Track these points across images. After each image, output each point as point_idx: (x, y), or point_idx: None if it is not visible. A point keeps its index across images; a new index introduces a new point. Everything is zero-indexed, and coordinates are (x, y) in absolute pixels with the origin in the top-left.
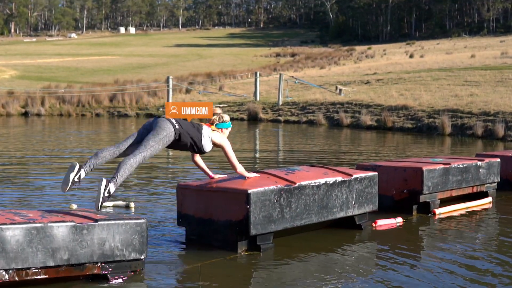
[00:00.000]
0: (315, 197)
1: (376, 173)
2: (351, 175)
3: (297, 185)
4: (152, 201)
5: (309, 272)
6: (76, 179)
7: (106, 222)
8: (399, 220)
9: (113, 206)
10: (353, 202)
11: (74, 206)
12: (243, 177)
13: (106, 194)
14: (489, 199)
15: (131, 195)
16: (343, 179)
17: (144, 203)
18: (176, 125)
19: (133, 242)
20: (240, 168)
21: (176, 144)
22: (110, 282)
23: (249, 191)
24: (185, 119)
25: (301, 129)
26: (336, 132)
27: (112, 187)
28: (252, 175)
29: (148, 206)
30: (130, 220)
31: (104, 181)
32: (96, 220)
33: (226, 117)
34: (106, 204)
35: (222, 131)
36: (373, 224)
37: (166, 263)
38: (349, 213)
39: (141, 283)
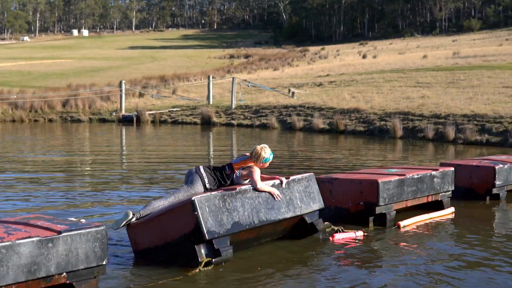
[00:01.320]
0: (259, 199)
1: (312, 173)
2: (288, 177)
3: (237, 189)
4: (103, 209)
5: (269, 285)
6: (125, 224)
7: (69, 233)
8: (360, 234)
9: None
10: (298, 202)
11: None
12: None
13: (125, 225)
14: (452, 209)
15: (82, 200)
16: (280, 182)
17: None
18: (208, 186)
19: (95, 249)
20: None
21: None
22: None
23: (192, 198)
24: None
25: (254, 133)
26: (288, 136)
27: (134, 219)
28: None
29: (97, 214)
30: (91, 229)
31: (130, 215)
32: (60, 232)
33: (267, 152)
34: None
35: (263, 165)
36: (330, 238)
37: (120, 279)
38: (298, 213)
39: None
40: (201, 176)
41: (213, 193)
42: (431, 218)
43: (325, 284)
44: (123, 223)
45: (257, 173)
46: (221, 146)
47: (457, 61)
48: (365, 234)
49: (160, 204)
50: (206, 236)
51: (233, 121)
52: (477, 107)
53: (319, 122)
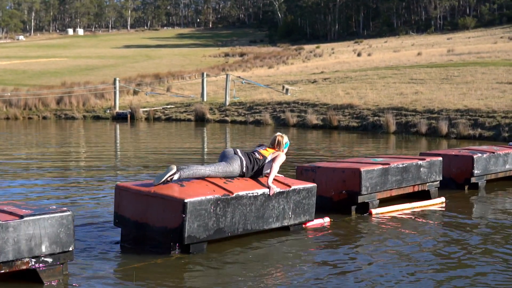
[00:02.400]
0: (252, 207)
1: (315, 184)
2: (290, 186)
3: (234, 195)
4: (94, 200)
5: (242, 272)
6: (169, 179)
7: (31, 218)
8: (327, 220)
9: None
10: (290, 213)
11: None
12: (182, 185)
13: (168, 179)
14: (439, 199)
15: (74, 193)
16: (281, 190)
17: (86, 202)
18: (244, 169)
19: (60, 235)
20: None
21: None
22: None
23: (185, 200)
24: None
25: (248, 130)
26: (282, 132)
27: (176, 176)
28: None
29: (89, 206)
30: (56, 214)
31: (174, 169)
32: (22, 217)
33: (285, 138)
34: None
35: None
36: (303, 225)
37: (101, 264)
38: (285, 223)
39: (74, 285)
40: (240, 158)
41: (207, 197)
42: (411, 208)
43: (296, 272)
44: (164, 177)
45: (282, 158)
46: (215, 142)
47: (451, 58)
48: (331, 220)
49: (201, 169)
50: (185, 240)
51: (227, 118)
52: (470, 102)
53: (313, 118)
